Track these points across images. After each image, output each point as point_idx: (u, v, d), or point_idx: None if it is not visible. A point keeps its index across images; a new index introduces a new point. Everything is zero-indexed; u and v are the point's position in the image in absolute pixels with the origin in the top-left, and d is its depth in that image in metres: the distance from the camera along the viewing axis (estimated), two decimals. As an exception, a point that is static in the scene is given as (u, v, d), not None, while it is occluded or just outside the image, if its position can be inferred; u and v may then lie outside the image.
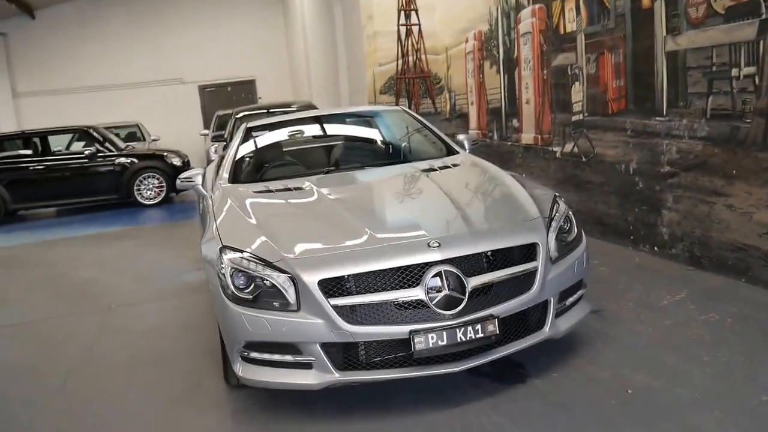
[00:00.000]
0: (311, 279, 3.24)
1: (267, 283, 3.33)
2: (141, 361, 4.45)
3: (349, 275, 3.25)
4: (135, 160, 12.04)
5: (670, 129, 5.14)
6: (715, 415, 3.11)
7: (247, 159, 5.19)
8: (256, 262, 3.39)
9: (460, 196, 3.96)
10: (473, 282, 3.26)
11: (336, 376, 3.28)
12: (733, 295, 4.49)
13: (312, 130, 5.81)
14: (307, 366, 3.31)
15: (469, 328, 3.22)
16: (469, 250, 3.33)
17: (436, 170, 4.50)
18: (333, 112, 6.30)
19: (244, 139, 5.33)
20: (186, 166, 12.10)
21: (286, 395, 3.56)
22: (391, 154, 5.34)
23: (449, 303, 3.21)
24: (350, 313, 3.22)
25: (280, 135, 5.58)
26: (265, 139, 5.47)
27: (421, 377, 3.31)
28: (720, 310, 4.26)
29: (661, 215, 5.38)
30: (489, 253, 3.36)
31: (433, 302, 3.19)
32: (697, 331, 4.00)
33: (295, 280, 3.27)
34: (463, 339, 3.22)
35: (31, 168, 11.72)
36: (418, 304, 3.23)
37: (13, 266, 8.19)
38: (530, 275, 3.41)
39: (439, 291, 3.20)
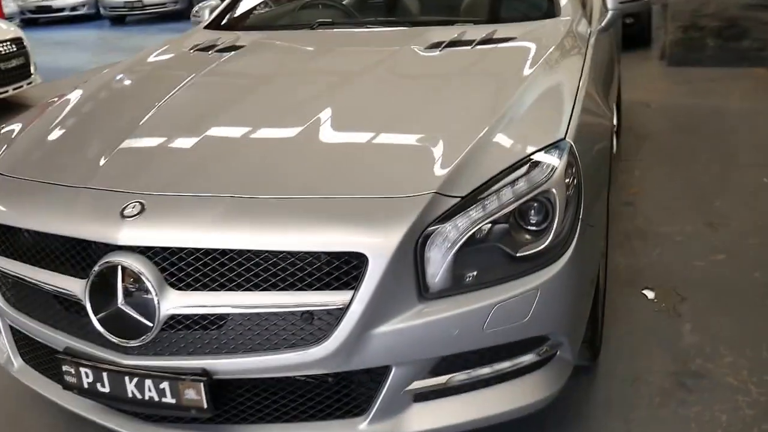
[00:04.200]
0: None
1: None
2: None
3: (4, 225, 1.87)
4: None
5: None
6: None
7: None
8: None
9: (368, 121, 2.01)
10: (178, 302, 1.61)
11: (14, 367, 2.04)
12: None
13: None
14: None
15: (148, 383, 1.64)
16: (190, 235, 1.60)
17: (437, 52, 2.47)
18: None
19: None
20: None
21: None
22: (441, 9, 3.26)
23: (129, 327, 1.64)
24: (8, 284, 1.89)
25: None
26: None
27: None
28: None
29: None
30: (284, 257, 1.58)
31: (99, 315, 1.66)
32: None
33: None
34: (138, 397, 1.66)
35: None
36: (80, 307, 1.72)
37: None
38: (335, 315, 1.58)
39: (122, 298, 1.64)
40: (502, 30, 2.65)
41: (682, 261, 2.98)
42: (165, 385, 1.62)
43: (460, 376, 1.71)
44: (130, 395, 1.66)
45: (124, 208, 1.66)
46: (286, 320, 1.59)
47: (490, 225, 1.66)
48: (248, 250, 1.57)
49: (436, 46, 2.51)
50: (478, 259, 1.66)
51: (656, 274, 2.89)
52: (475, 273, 1.65)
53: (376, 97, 2.16)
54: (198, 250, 1.59)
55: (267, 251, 1.57)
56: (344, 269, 1.56)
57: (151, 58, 2.88)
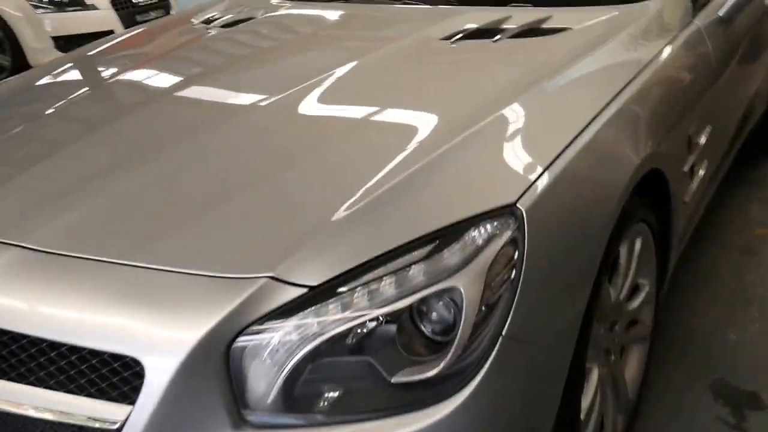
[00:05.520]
0: None
1: None
2: None
3: None
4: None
5: None
6: None
7: None
8: None
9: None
10: None
11: None
12: None
13: None
14: None
15: None
16: None
17: (447, 44, 1.90)
18: None
19: None
20: None
21: None
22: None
23: None
24: None
25: None
26: None
27: None
28: None
29: None
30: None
31: None
32: None
33: None
34: None
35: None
36: None
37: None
38: None
39: None
40: (558, 16, 2.02)
41: (791, 347, 2.19)
42: None
43: None
44: None
45: None
46: (55, 429, 1.18)
47: (372, 325, 1.14)
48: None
49: (454, 36, 1.94)
50: (339, 375, 1.16)
51: (742, 361, 2.13)
52: (336, 395, 1.15)
53: (315, 109, 1.65)
54: None
55: (26, 335, 1.17)
56: (122, 374, 1.13)
57: (138, 33, 2.55)
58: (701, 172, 2.12)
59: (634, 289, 1.77)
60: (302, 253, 1.16)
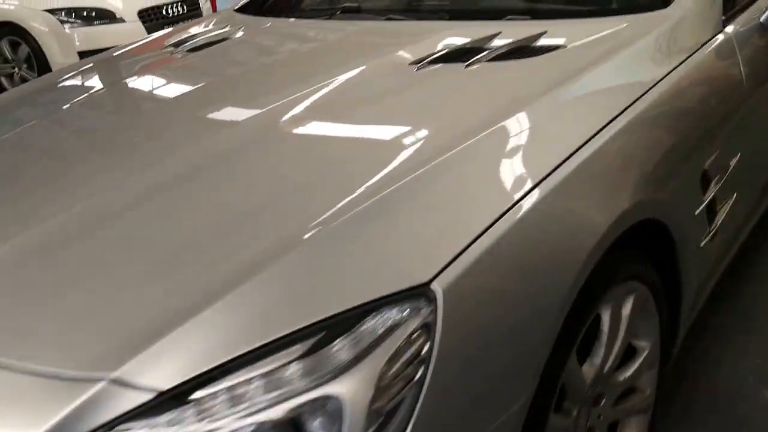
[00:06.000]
0: None
1: None
2: None
3: None
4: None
5: None
6: None
7: None
8: None
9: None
10: None
11: None
12: None
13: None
14: None
15: None
16: None
17: (413, 70, 1.64)
18: None
19: None
20: None
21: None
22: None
23: None
24: None
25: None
26: None
27: None
28: None
29: None
30: None
31: None
32: None
33: None
34: None
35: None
36: None
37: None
38: None
39: None
40: (555, 31, 1.74)
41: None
42: None
43: None
44: None
45: None
46: None
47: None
48: None
49: (425, 58, 1.70)
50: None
51: None
52: None
53: (218, 168, 1.38)
54: None
55: None
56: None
57: (106, 58, 2.39)
58: (727, 208, 1.80)
59: (630, 353, 1.50)
60: (156, 348, 0.95)
